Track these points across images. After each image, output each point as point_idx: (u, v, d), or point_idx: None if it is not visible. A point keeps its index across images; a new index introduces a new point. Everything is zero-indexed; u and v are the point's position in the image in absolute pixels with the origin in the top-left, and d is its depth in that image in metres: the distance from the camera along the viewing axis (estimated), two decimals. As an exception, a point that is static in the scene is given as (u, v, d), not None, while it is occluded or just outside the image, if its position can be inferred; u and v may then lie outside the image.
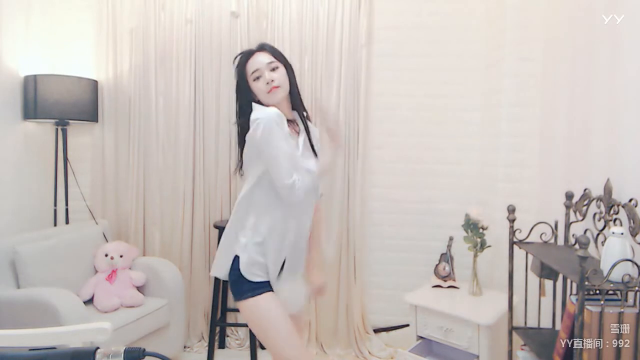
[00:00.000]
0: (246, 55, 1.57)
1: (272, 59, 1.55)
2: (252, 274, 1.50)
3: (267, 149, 1.44)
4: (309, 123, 1.66)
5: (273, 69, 1.54)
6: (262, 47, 1.58)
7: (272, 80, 1.52)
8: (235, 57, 1.61)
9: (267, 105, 1.54)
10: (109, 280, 2.50)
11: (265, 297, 1.51)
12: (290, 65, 1.61)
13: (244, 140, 1.55)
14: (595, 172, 1.75)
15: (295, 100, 1.63)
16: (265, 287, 1.52)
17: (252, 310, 1.50)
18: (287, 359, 1.47)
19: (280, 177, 1.44)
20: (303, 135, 1.61)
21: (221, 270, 1.60)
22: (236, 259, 1.53)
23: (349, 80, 2.80)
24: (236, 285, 1.53)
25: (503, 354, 2.08)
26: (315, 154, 1.64)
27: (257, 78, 1.54)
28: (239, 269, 1.51)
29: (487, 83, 2.75)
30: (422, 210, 2.90)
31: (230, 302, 2.95)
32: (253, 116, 1.48)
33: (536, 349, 1.72)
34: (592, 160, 1.81)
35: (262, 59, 1.55)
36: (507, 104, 2.51)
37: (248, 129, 1.50)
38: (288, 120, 1.57)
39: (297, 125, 1.64)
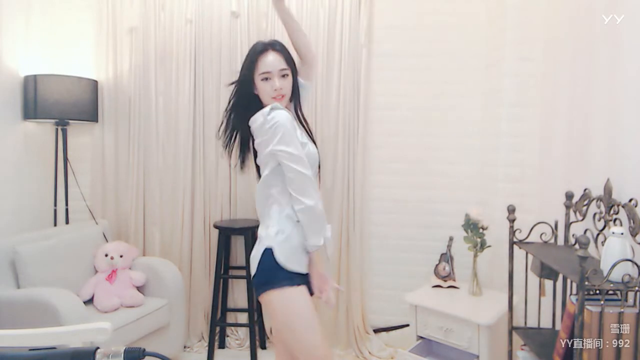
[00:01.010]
0: (260, 50, 1.57)
1: (285, 65, 1.57)
2: (292, 262, 1.49)
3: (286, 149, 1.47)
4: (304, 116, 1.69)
5: (283, 76, 1.57)
6: (275, 47, 1.58)
7: (281, 89, 1.55)
8: (251, 48, 1.61)
9: (264, 105, 1.57)
10: (109, 280, 2.50)
11: (302, 289, 1.50)
12: (296, 70, 1.63)
13: (234, 133, 1.64)
14: (595, 172, 1.75)
15: (294, 100, 1.65)
16: (301, 278, 1.51)
17: (287, 300, 1.48)
18: (314, 354, 1.46)
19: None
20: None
21: (253, 269, 1.55)
22: (267, 250, 1.49)
23: (349, 80, 2.80)
24: (270, 274, 1.48)
25: (503, 354, 2.08)
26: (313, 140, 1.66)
27: (266, 79, 1.55)
28: (273, 258, 1.48)
29: (487, 83, 2.75)
30: (422, 210, 2.90)
31: (230, 302, 2.96)
32: (270, 116, 1.48)
33: (536, 349, 1.72)
34: (592, 160, 1.81)
35: (275, 62, 1.56)
36: (507, 104, 2.51)
37: (241, 125, 1.60)
38: None
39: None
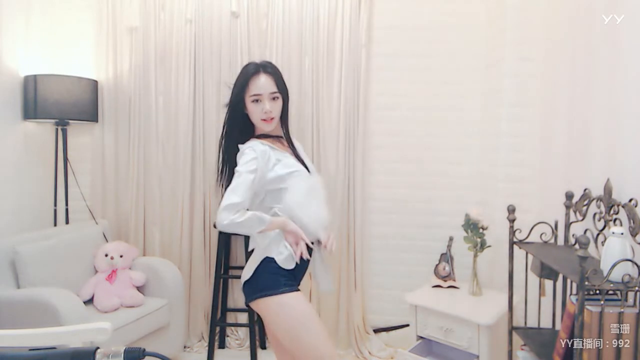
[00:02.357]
0: (252, 72, 1.59)
1: (275, 88, 1.59)
2: (289, 263, 1.55)
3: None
4: (291, 138, 1.72)
5: (274, 98, 1.59)
6: (267, 69, 1.60)
7: (270, 112, 1.58)
8: (243, 68, 1.63)
9: (255, 127, 1.63)
10: (109, 280, 2.50)
11: (299, 294, 1.54)
12: (287, 92, 1.65)
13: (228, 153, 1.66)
14: (595, 172, 1.75)
15: (284, 121, 1.68)
16: (296, 285, 1.56)
17: (287, 305, 1.50)
18: (319, 356, 1.47)
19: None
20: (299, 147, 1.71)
21: (247, 275, 1.60)
22: (267, 259, 1.55)
23: (349, 80, 2.80)
24: (269, 280, 1.53)
25: (503, 354, 2.08)
26: (299, 161, 1.67)
27: (257, 101, 1.58)
28: (274, 265, 1.53)
29: (487, 83, 2.75)
30: (422, 210, 2.90)
31: (230, 302, 2.96)
32: (245, 146, 1.56)
33: (536, 349, 1.72)
34: (592, 160, 1.81)
35: (266, 85, 1.58)
36: (507, 104, 2.51)
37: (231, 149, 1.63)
38: (276, 137, 1.67)
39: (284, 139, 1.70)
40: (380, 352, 2.82)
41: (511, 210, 1.89)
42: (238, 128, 1.64)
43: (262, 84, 1.57)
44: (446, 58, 2.84)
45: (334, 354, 1.52)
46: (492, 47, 2.70)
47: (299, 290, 1.55)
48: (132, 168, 2.93)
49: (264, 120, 1.58)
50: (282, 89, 1.62)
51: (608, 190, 1.58)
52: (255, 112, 1.58)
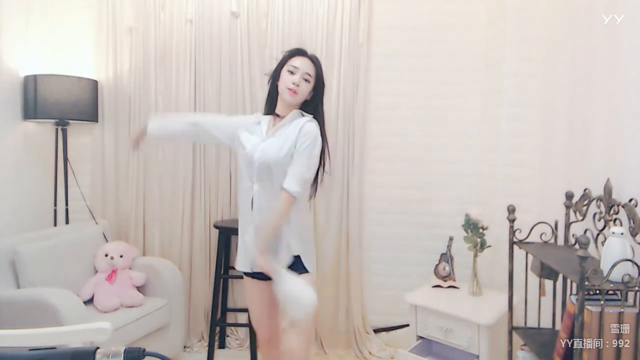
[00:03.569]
0: (299, 52, 1.76)
1: (312, 75, 1.74)
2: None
3: None
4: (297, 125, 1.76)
5: (306, 80, 1.72)
6: (313, 59, 1.77)
7: (298, 86, 1.70)
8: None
9: (277, 95, 1.78)
10: (109, 280, 2.50)
11: (246, 280, 1.87)
12: (322, 87, 1.78)
13: None
14: (595, 172, 1.75)
15: (307, 109, 1.78)
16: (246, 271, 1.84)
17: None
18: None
19: None
20: (280, 127, 1.75)
21: None
22: None
23: (348, 80, 2.80)
24: None
25: (503, 354, 2.08)
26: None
27: (290, 72, 1.71)
28: None
29: (487, 83, 2.75)
30: (422, 210, 2.90)
31: (230, 302, 2.96)
32: None
33: (536, 349, 1.72)
34: (592, 160, 1.82)
35: (306, 66, 1.73)
36: (507, 104, 2.51)
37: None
38: (279, 115, 1.79)
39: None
40: (380, 352, 2.82)
41: (511, 210, 1.89)
42: (267, 103, 1.86)
43: (302, 62, 1.73)
44: (446, 58, 2.84)
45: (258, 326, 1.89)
46: (492, 47, 2.70)
47: (247, 277, 1.85)
48: (132, 168, 2.93)
49: (289, 89, 1.70)
50: (318, 78, 1.75)
51: (608, 190, 1.58)
52: (285, 80, 1.71)
